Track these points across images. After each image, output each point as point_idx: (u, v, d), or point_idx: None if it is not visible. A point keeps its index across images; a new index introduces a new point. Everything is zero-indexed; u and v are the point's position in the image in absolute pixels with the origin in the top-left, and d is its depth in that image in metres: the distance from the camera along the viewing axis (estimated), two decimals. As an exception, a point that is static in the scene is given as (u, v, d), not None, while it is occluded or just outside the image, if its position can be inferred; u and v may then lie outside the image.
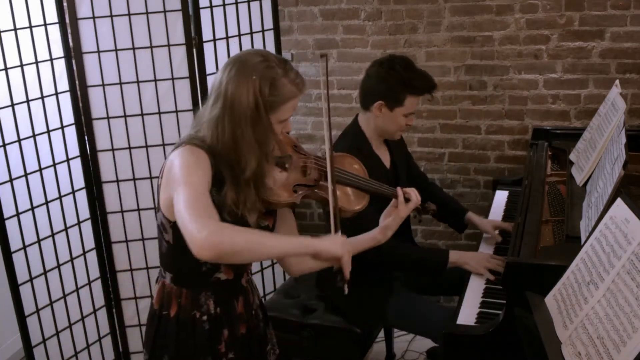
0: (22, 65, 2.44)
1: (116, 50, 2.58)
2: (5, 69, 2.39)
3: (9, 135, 2.43)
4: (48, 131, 2.55)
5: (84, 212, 2.70)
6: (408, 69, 2.32)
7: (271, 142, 1.61)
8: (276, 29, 2.98)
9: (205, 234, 1.36)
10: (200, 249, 1.37)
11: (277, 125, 1.62)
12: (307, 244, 1.55)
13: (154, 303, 1.76)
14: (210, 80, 2.72)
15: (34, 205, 2.52)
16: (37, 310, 2.57)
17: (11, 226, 2.45)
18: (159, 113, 2.67)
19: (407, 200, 1.83)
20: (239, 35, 2.84)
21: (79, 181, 2.68)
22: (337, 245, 1.58)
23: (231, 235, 1.40)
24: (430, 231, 3.74)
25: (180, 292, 1.70)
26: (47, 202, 2.57)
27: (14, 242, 2.46)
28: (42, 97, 2.52)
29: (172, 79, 2.65)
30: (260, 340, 1.83)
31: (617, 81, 2.64)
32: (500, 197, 3.01)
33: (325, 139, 1.70)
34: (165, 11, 2.57)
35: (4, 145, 2.42)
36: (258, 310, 1.83)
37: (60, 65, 2.57)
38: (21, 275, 2.50)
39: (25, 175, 2.49)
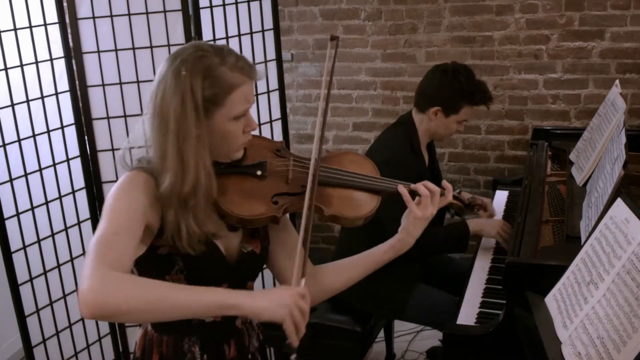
0: (22, 65, 2.44)
1: (116, 50, 2.58)
2: (5, 69, 2.39)
3: (9, 135, 2.43)
4: (48, 131, 2.55)
5: (84, 212, 2.70)
6: (470, 81, 2.39)
7: (223, 146, 1.37)
8: (276, 29, 2.97)
9: (87, 286, 1.13)
10: (81, 304, 1.14)
11: (232, 123, 1.35)
12: (226, 302, 1.20)
13: (136, 350, 1.55)
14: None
15: (34, 205, 2.52)
16: (37, 310, 2.57)
17: (11, 226, 2.45)
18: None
19: (415, 195, 1.52)
20: (239, 35, 2.84)
21: (79, 181, 2.67)
22: (274, 306, 1.21)
23: (117, 294, 1.14)
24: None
25: (161, 340, 1.48)
26: (47, 202, 2.56)
27: (14, 242, 2.46)
28: (42, 97, 2.52)
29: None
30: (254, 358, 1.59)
31: (617, 81, 2.64)
32: (500, 197, 3.01)
33: (314, 147, 1.42)
34: (165, 11, 2.57)
35: (4, 145, 2.41)
36: (256, 354, 1.59)
37: (60, 65, 2.57)
38: (21, 275, 2.50)
39: (25, 175, 2.49)
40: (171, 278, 1.39)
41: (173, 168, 1.31)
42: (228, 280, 1.44)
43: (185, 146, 1.31)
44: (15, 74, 2.42)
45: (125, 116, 2.65)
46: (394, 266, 2.45)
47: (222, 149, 1.39)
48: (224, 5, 2.77)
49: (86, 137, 2.66)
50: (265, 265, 1.59)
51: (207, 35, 2.71)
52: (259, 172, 1.43)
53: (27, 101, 2.47)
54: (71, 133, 2.63)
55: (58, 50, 2.55)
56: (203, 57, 1.34)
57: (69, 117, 2.62)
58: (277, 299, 1.23)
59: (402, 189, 1.51)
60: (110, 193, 1.32)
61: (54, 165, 2.58)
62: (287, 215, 1.53)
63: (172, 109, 1.32)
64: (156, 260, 1.37)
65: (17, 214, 2.47)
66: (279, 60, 3.01)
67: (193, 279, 1.38)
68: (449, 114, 2.40)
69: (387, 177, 1.56)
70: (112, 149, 2.67)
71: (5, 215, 2.42)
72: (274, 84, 3.00)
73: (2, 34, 2.37)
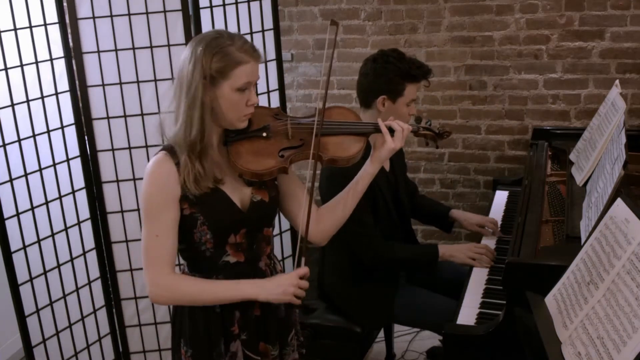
0: (22, 65, 2.44)
1: (116, 50, 2.58)
2: (5, 69, 2.39)
3: (9, 135, 2.43)
4: (48, 131, 2.55)
5: (84, 212, 2.70)
6: (402, 60, 2.36)
7: (228, 113, 1.65)
8: (276, 29, 2.97)
9: (152, 291, 1.68)
10: (152, 300, 1.71)
11: (236, 94, 1.63)
12: (244, 293, 1.68)
13: None
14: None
15: (34, 205, 2.52)
16: (37, 310, 2.57)
17: (11, 226, 2.45)
18: (159, 113, 2.67)
19: (391, 131, 1.82)
20: (239, 35, 2.84)
21: (79, 181, 2.67)
22: (278, 293, 1.66)
23: (171, 296, 1.70)
24: (430, 231, 3.75)
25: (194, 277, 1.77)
26: (47, 202, 2.56)
27: (14, 242, 2.46)
28: (42, 97, 2.52)
29: (172, 79, 2.64)
30: (282, 324, 1.84)
31: (617, 81, 2.64)
32: (500, 197, 3.01)
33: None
34: (165, 11, 2.57)
35: (4, 145, 2.41)
36: None
37: (60, 65, 2.57)
38: (21, 275, 2.50)
39: (25, 175, 2.49)
40: (197, 230, 1.69)
41: (183, 120, 1.63)
42: (245, 226, 1.73)
43: (193, 104, 1.62)
44: (15, 74, 2.42)
45: (125, 116, 2.65)
46: (375, 273, 2.45)
47: (227, 117, 1.66)
48: (224, 5, 2.77)
49: (86, 137, 2.66)
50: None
51: (207, 35, 2.71)
52: (264, 134, 1.72)
53: (27, 101, 2.47)
54: (71, 133, 2.63)
55: (58, 50, 2.55)
56: (217, 38, 1.63)
57: (69, 117, 2.62)
58: (282, 289, 1.66)
59: (381, 124, 1.82)
60: (143, 189, 1.67)
61: (54, 165, 2.58)
62: (294, 172, 1.84)
63: (186, 74, 1.62)
64: (183, 220, 1.68)
65: (17, 214, 2.47)
66: (279, 60, 3.01)
67: (215, 227, 1.68)
68: (395, 99, 2.36)
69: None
70: (112, 149, 2.67)
71: (5, 215, 2.42)
72: (274, 84, 3.00)
73: (2, 34, 2.37)
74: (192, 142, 1.63)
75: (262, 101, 2.96)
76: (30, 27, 2.45)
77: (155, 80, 2.63)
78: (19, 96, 2.45)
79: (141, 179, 2.69)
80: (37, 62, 2.48)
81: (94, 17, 2.54)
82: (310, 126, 1.74)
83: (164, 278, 1.66)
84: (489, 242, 2.55)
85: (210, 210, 1.67)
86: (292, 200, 1.84)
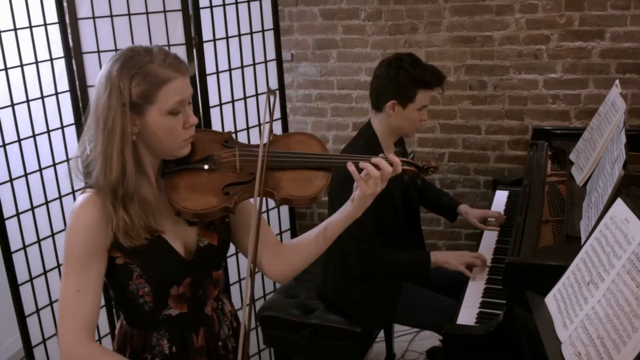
0: (22, 65, 2.44)
1: (116, 50, 2.58)
2: (5, 69, 2.39)
3: (9, 135, 2.43)
4: (48, 131, 2.55)
5: (84, 212, 2.70)
6: (416, 66, 2.34)
7: (164, 142, 1.41)
8: (276, 29, 2.97)
9: (62, 354, 1.39)
10: None
11: (169, 118, 1.38)
12: None
13: (114, 343, 1.65)
14: (211, 81, 2.73)
15: (34, 205, 2.52)
16: (37, 310, 2.57)
17: (11, 226, 2.45)
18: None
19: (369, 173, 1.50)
20: (239, 35, 2.84)
21: (79, 181, 2.67)
22: None
23: None
24: (430, 231, 3.75)
25: (132, 333, 1.56)
26: (47, 202, 2.56)
27: (14, 242, 2.46)
28: (42, 97, 2.52)
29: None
30: None
31: (617, 81, 2.64)
32: (500, 197, 3.01)
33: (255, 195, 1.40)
34: (165, 11, 2.57)
35: (4, 145, 2.41)
36: (227, 341, 1.63)
37: (60, 65, 2.57)
38: (21, 275, 2.50)
39: (25, 175, 2.49)
40: (134, 283, 1.46)
41: (100, 159, 1.38)
42: (190, 275, 1.50)
43: (111, 140, 1.36)
44: (15, 74, 2.42)
45: (125, 116, 2.65)
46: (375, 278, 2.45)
47: (164, 146, 1.42)
48: (224, 5, 2.77)
49: (86, 137, 2.66)
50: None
51: (207, 35, 2.71)
52: (206, 167, 1.46)
53: (27, 101, 2.47)
54: (71, 133, 2.63)
55: (58, 50, 2.55)
56: (133, 57, 1.38)
57: (69, 117, 2.62)
58: None
59: (352, 168, 1.49)
60: (68, 236, 1.41)
61: (54, 165, 2.58)
62: (248, 200, 1.53)
63: (101, 105, 1.37)
64: (116, 270, 1.45)
65: (17, 214, 2.46)
66: (279, 60, 3.00)
67: (154, 280, 1.46)
68: (405, 105, 2.34)
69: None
70: (112, 149, 2.67)
71: (5, 215, 2.42)
72: (274, 84, 3.00)
73: (2, 34, 2.37)
74: (112, 185, 1.37)
75: (262, 101, 2.96)
76: (30, 27, 2.45)
77: (155, 80, 2.63)
78: (19, 96, 2.44)
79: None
80: (37, 62, 2.48)
81: (94, 17, 2.54)
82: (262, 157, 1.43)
83: (81, 347, 1.38)
84: (491, 238, 2.55)
85: (147, 263, 1.44)
86: (245, 233, 1.57)
